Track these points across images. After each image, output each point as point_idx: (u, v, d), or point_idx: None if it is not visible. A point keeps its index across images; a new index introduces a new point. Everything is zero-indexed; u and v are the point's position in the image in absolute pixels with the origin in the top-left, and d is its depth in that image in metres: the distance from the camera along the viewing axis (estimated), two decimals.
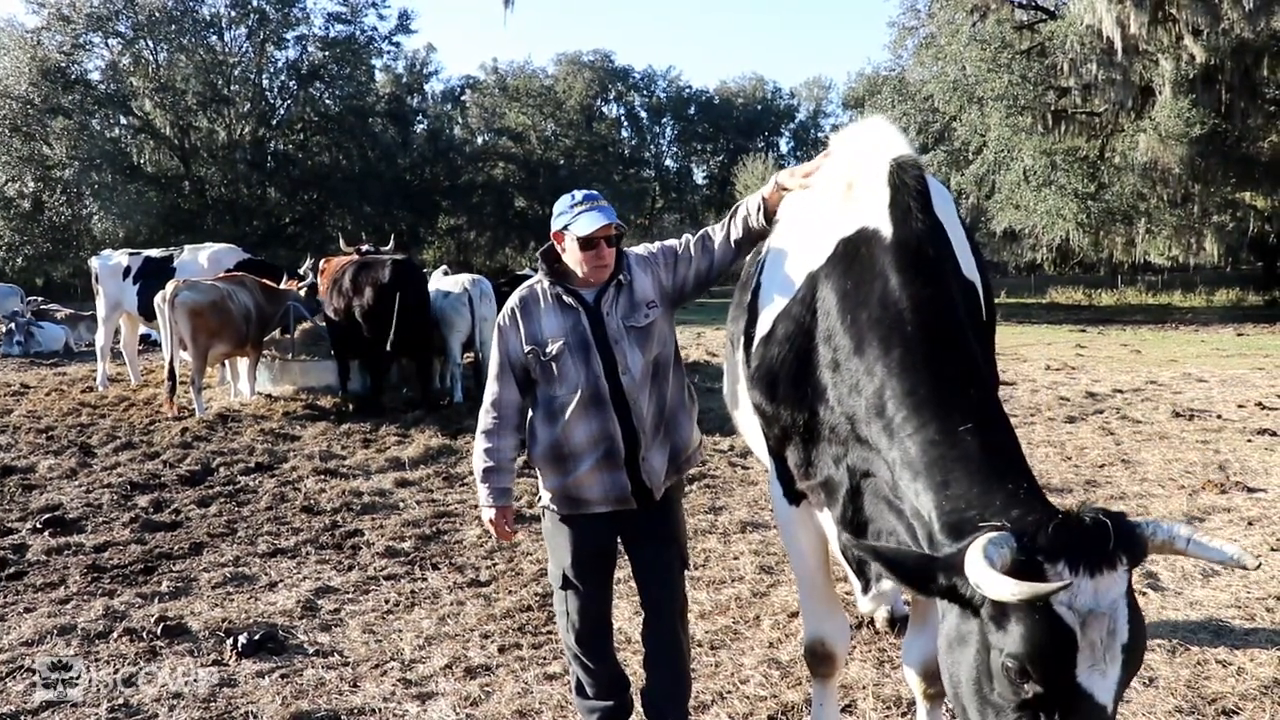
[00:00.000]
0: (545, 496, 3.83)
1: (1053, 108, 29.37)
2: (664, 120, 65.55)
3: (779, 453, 3.50)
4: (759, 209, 3.72)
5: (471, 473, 8.75)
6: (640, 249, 3.86)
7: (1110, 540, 2.34)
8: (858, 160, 3.43)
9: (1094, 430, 10.32)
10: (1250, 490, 7.65)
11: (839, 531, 3.23)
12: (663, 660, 3.88)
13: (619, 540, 3.88)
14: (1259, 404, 11.52)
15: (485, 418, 3.78)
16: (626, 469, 3.66)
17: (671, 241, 3.89)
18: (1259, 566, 2.45)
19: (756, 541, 6.73)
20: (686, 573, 3.99)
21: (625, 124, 65.28)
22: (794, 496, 3.49)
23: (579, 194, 3.67)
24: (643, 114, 64.98)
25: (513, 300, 3.77)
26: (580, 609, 3.80)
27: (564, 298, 3.66)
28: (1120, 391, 12.93)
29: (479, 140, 58.65)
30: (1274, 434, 9.77)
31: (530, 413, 3.81)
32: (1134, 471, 8.41)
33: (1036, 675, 2.33)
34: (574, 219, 3.58)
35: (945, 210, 3.48)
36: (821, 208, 3.47)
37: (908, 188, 3.14)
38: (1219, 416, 10.87)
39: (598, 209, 3.58)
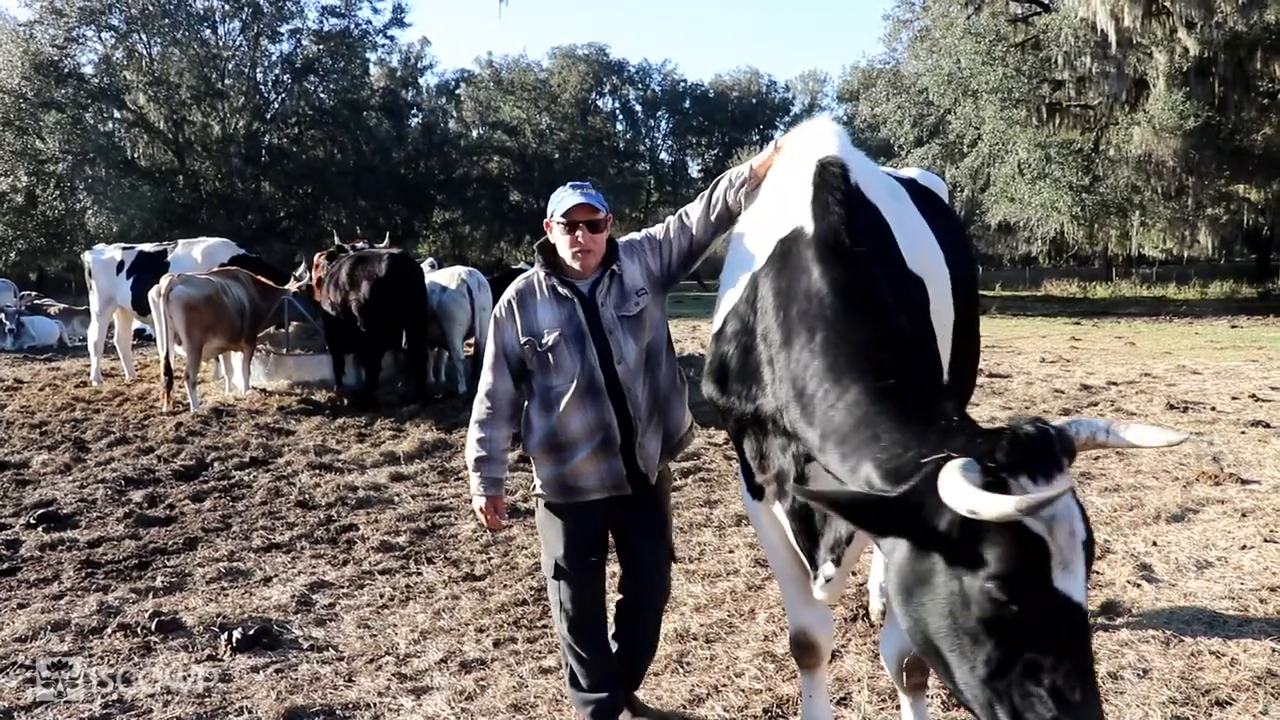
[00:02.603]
0: (540, 486, 3.88)
1: (1047, 101, 29.46)
2: (659, 114, 65.42)
3: (739, 446, 3.59)
4: (741, 183, 3.76)
5: (466, 466, 8.81)
6: (626, 238, 3.95)
7: (1055, 445, 2.41)
8: (795, 162, 3.55)
9: None
10: (1244, 482, 7.66)
11: (789, 521, 3.33)
12: (640, 637, 4.06)
13: (609, 531, 3.96)
14: (1253, 396, 11.54)
15: (479, 408, 3.84)
16: (622, 455, 3.74)
17: (655, 228, 3.97)
18: (1183, 441, 2.47)
19: (751, 535, 6.71)
20: (675, 565, 4.10)
21: (620, 117, 65.21)
22: (757, 490, 3.55)
23: (570, 184, 3.78)
24: (637, 107, 64.87)
25: (509, 292, 3.84)
26: (574, 598, 3.86)
27: (559, 289, 3.73)
28: (1115, 384, 12.94)
29: (474, 134, 58.54)
30: (1268, 426, 9.78)
31: (525, 404, 3.87)
32: (1128, 463, 8.41)
33: (1019, 591, 2.35)
34: (558, 203, 3.70)
35: (891, 204, 3.59)
36: (766, 209, 3.60)
37: (828, 185, 3.27)
38: (1213, 408, 10.88)
39: (582, 193, 3.69)
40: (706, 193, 3.87)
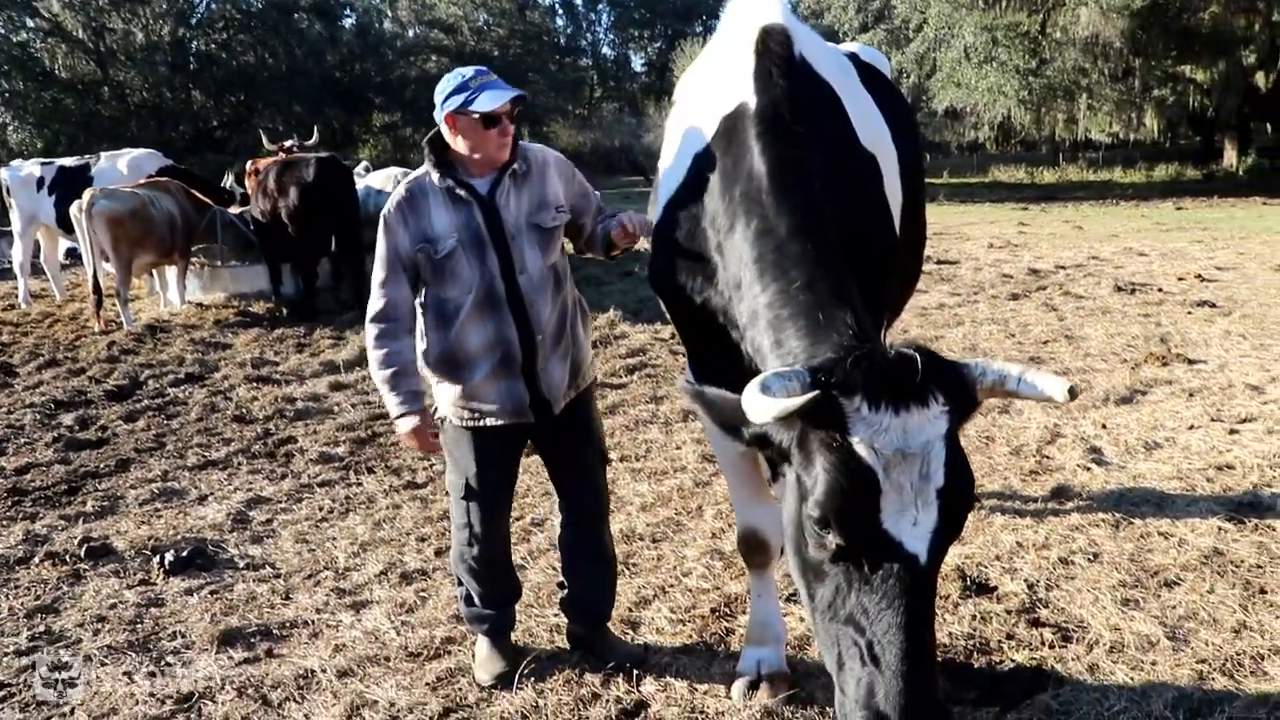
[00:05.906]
0: (443, 406, 3.60)
1: None
2: (599, 7, 63.70)
3: (687, 341, 3.43)
4: (604, 245, 3.61)
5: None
6: (559, 155, 3.63)
7: (916, 374, 2.17)
8: (736, 32, 3.33)
9: (1037, 307, 10.31)
10: (1191, 362, 7.67)
11: None
12: (588, 561, 3.84)
13: (531, 443, 3.73)
14: (1198, 276, 11.58)
15: (375, 326, 3.46)
16: (524, 378, 3.47)
17: (589, 187, 3.70)
18: (1072, 398, 2.19)
19: (699, 430, 6.62)
20: (610, 467, 3.93)
21: (559, 12, 63.44)
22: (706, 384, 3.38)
23: (468, 70, 3.36)
24: (577, 1, 63.19)
25: (398, 193, 3.46)
26: (483, 519, 3.63)
27: (456, 190, 3.38)
28: (1063, 268, 12.93)
29: (410, 34, 56.73)
30: (1213, 305, 9.82)
31: (420, 318, 3.54)
32: (1077, 347, 8.41)
33: (836, 521, 2.19)
34: (473, 95, 3.28)
35: (840, 78, 3.40)
36: (709, 84, 3.38)
37: (770, 53, 3.09)
38: (1160, 290, 10.90)
39: (496, 85, 3.32)
40: (606, 215, 3.63)
